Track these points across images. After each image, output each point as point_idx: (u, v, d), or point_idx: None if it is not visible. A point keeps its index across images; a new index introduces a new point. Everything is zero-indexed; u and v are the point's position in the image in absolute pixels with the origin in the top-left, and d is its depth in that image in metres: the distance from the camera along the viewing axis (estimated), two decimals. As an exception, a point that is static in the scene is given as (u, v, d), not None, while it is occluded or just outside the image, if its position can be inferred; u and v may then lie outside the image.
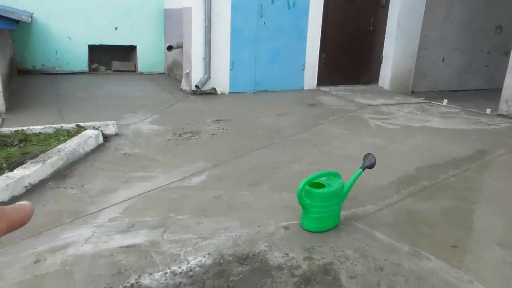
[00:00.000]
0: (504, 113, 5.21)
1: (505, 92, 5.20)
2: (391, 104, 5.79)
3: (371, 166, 2.45)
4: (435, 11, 7.19)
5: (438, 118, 5.08)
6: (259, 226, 2.31)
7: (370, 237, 2.22)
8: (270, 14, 6.12)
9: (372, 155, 2.48)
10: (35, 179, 2.71)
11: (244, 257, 2.02)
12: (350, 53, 6.98)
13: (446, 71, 7.75)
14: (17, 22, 4.74)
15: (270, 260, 1.99)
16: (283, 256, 2.02)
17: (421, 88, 7.43)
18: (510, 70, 5.13)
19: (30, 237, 2.13)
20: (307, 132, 4.28)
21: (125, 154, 3.43)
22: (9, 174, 2.63)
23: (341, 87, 6.91)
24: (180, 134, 4.01)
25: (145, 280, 1.85)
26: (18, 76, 6.42)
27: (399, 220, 2.45)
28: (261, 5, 6.02)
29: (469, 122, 4.90)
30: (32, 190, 2.66)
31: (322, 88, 6.72)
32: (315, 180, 2.28)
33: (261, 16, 6.06)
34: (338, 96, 6.26)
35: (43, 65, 6.88)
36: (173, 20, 6.95)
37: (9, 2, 6.27)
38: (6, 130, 3.53)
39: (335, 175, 2.36)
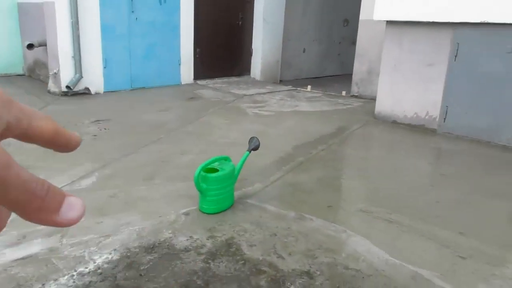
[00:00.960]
0: (356, 94, 6.11)
1: (355, 77, 6.10)
2: (264, 93, 6.29)
3: (256, 148, 2.74)
4: (295, 6, 7.95)
5: (305, 103, 5.72)
6: (160, 216, 2.42)
7: (262, 210, 2.51)
8: (141, 9, 6.05)
9: (256, 138, 2.77)
10: None
11: (151, 246, 2.12)
12: (223, 46, 7.30)
13: (308, 60, 8.64)
14: None
15: (176, 244, 2.14)
16: (187, 239, 2.18)
17: (288, 76, 8.17)
18: (357, 58, 6.03)
19: None
20: (191, 125, 4.44)
21: (-2, 164, 3.14)
22: None
23: (217, 80, 7.20)
24: (58, 138, 3.80)
25: (51, 287, 1.83)
26: None
27: (284, 192, 2.81)
28: (132, 0, 5.91)
29: (330, 104, 5.64)
30: None
31: (199, 82, 6.92)
32: (209, 166, 2.47)
33: (132, 12, 5.96)
34: (215, 88, 6.54)
35: None
36: (31, 16, 6.35)
37: None
38: None
39: (226, 159, 2.59)
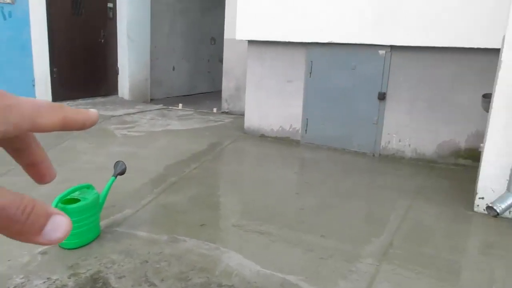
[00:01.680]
0: (226, 110, 6.29)
1: (224, 94, 6.28)
2: (134, 113, 6.05)
3: (122, 172, 2.59)
4: (161, 24, 7.87)
5: (177, 121, 5.67)
6: (9, 260, 2.11)
7: (132, 237, 2.38)
8: (-21, 24, 5.30)
9: (122, 161, 2.63)
10: None
11: (-2, 297, 1.83)
12: (85, 65, 6.82)
13: (178, 78, 8.62)
14: None
15: (30, 289, 1.88)
16: (44, 282, 1.94)
17: (158, 95, 8.01)
18: (225, 76, 6.23)
19: None
20: (49, 152, 4.01)
21: None
22: None
23: (80, 101, 6.68)
24: None
25: None
26: None
27: (156, 215, 2.71)
28: (-35, 13, 5.14)
29: (202, 121, 5.69)
30: None
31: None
32: (68, 197, 2.25)
33: (-32, 26, 5.18)
34: (78, 110, 6.05)
35: None
36: None
37: None
38: None
39: (88, 187, 2.40)
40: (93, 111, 0.34)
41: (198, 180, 3.42)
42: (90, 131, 4.86)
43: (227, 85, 6.20)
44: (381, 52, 4.11)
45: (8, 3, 5.61)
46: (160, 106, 6.82)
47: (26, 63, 5.92)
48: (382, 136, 4.21)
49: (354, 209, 2.96)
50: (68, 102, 6.45)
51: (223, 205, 2.91)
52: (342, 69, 4.31)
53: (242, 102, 6.00)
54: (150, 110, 6.35)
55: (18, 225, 0.27)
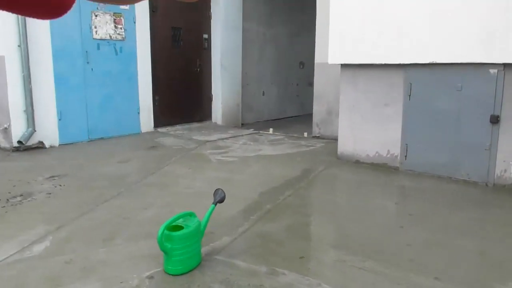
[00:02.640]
0: (317, 135, 6.20)
1: (315, 118, 6.21)
2: (227, 138, 6.25)
3: (221, 201, 2.64)
4: (251, 52, 8.14)
5: (268, 146, 5.71)
6: (121, 282, 2.23)
7: (231, 266, 2.38)
8: (97, 60, 5.96)
9: (221, 189, 2.67)
10: None
11: (112, 319, 1.93)
12: (182, 93, 7.28)
13: (267, 103, 8.78)
14: None
15: (140, 314, 1.95)
16: (153, 307, 2.01)
17: (249, 119, 8.22)
18: (316, 100, 6.17)
19: None
20: (152, 176, 4.28)
21: None
22: None
23: (178, 127, 7.11)
24: (7, 199, 3.53)
25: None
26: None
27: (253, 244, 2.69)
28: (86, 51, 5.81)
29: (293, 146, 5.67)
30: None
31: (160, 129, 6.79)
32: (172, 224, 2.34)
33: (88, 63, 5.84)
34: (176, 135, 6.43)
35: None
36: (-22, 70, 6.08)
37: None
38: None
39: (191, 214, 2.47)
40: None
41: (293, 208, 3.36)
42: (188, 156, 5.11)
43: (318, 109, 6.13)
44: (492, 71, 3.73)
45: (120, 40, 6.24)
46: (251, 130, 6.96)
47: (133, 93, 6.49)
48: (496, 163, 3.77)
49: (468, 248, 2.64)
50: (167, 128, 6.91)
51: (321, 237, 2.80)
52: (446, 91, 3.99)
53: (334, 126, 5.87)
54: (242, 135, 6.51)
55: None
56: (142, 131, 6.65)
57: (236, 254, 2.53)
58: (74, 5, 0.34)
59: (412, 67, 4.15)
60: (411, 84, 4.18)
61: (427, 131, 4.12)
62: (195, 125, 7.38)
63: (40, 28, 5.31)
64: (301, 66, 9.46)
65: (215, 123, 7.67)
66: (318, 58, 5.94)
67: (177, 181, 4.11)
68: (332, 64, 4.78)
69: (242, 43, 7.78)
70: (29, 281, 2.26)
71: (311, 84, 9.59)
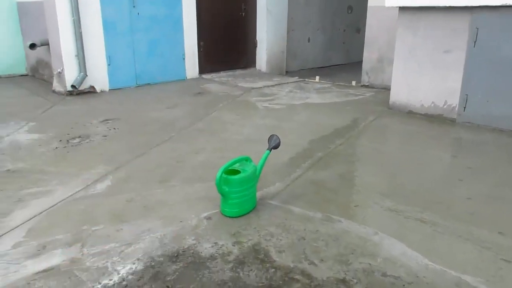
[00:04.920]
0: (366, 84, 5.97)
1: (365, 66, 5.95)
2: (272, 86, 6.16)
3: (276, 146, 2.63)
4: (297, -5, 7.77)
5: (315, 94, 5.59)
6: (181, 221, 2.33)
7: (287, 211, 2.41)
8: (143, 4, 5.90)
9: (276, 135, 2.65)
10: None
11: (175, 255, 2.02)
12: (227, 39, 7.15)
13: (312, 50, 8.48)
14: None
15: (201, 252, 2.04)
16: (212, 246, 2.09)
17: (293, 67, 8.02)
18: (366, 47, 5.87)
19: None
20: (201, 122, 4.33)
21: (8, 170, 3.05)
22: None
23: (222, 73, 7.06)
24: (67, 140, 3.70)
25: (75, 301, 1.74)
26: None
27: (307, 191, 2.70)
28: (132, -6, 5.75)
29: (341, 95, 5.51)
30: None
31: (204, 76, 6.78)
32: (230, 168, 2.37)
33: (134, 7, 5.80)
34: (221, 82, 6.41)
35: None
36: (32, 15, 6.20)
37: None
38: None
39: (247, 159, 2.48)
40: None
41: (345, 157, 3.31)
42: (234, 103, 5.10)
43: (369, 56, 5.85)
44: None
45: (165, -17, 6.10)
46: (296, 78, 6.81)
47: (178, 38, 6.44)
48: None
49: (533, 203, 2.53)
50: (212, 75, 6.88)
51: (375, 186, 2.76)
52: (516, 37, 3.66)
53: (385, 74, 5.62)
54: (287, 83, 6.38)
55: None
56: (187, 77, 6.66)
57: (290, 200, 2.56)
58: None
59: (480, 10, 3.80)
60: (477, 29, 3.86)
61: (491, 82, 3.85)
62: (239, 71, 7.30)
63: (88, -30, 5.27)
64: (349, 11, 8.97)
65: (259, 70, 7.55)
66: (371, 1, 5.57)
67: (226, 127, 4.14)
68: (387, 7, 4.47)
69: (289, -14, 7.42)
70: (96, 215, 2.40)
71: (359, 30, 9.15)
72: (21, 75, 6.84)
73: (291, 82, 6.44)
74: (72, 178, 2.91)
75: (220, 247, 2.07)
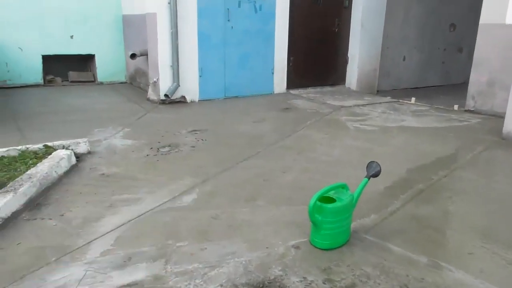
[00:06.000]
0: (471, 109, 5.39)
1: (471, 89, 5.37)
2: (363, 105, 5.83)
3: (376, 175, 2.37)
4: (395, 12, 7.36)
5: (412, 117, 5.16)
6: (267, 247, 2.17)
7: (385, 250, 2.14)
8: (237, 18, 5.98)
9: (376, 163, 2.40)
10: (6, 212, 2.40)
11: (261, 286, 1.86)
12: (317, 54, 6.98)
13: (407, 69, 7.96)
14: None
15: (288, 286, 1.85)
16: (301, 281, 1.89)
17: (385, 86, 7.58)
18: (475, 68, 5.30)
19: (13, 283, 1.86)
20: (289, 139, 4.18)
21: (103, 174, 3.16)
22: (-23, 209, 2.31)
23: (310, 89, 6.89)
24: (158, 148, 3.78)
25: (156, 322, 1.65)
26: (-36, 92, 5.85)
27: (407, 228, 2.39)
28: (228, 9, 5.86)
29: (441, 120, 5.01)
30: (5, 225, 2.35)
31: (292, 91, 6.67)
32: (324, 195, 2.16)
33: (228, 20, 5.90)
34: (309, 98, 6.23)
35: (-8, 78, 6.32)
36: (134, 27, 6.63)
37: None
38: (-37, 156, 3.15)
39: (343, 187, 2.26)
40: None
41: (451, 192, 2.92)
42: (323, 120, 4.89)
43: (477, 79, 5.27)
44: None
45: (260, -2, 6.14)
46: (389, 98, 6.39)
47: (268, 52, 6.42)
48: None
49: None
50: (299, 90, 6.74)
51: (492, 231, 2.35)
52: None
53: (496, 100, 5.02)
54: (379, 103, 6.01)
55: None
56: (275, 92, 6.60)
57: (388, 237, 2.27)
58: None
59: None
60: None
61: None
62: (327, 88, 7.08)
63: (190, -15, 5.47)
64: (452, 29, 8.30)
65: (349, 88, 7.25)
66: (484, 18, 5.02)
67: (314, 146, 3.94)
68: (501, 26, 3.95)
69: (386, 2, 7.05)
70: (181, 230, 2.34)
71: (461, 49, 8.43)
72: (121, 83, 7.32)
73: (383, 102, 6.05)
74: (160, 187, 2.92)
75: (310, 284, 1.87)
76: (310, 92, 6.74)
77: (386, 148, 3.91)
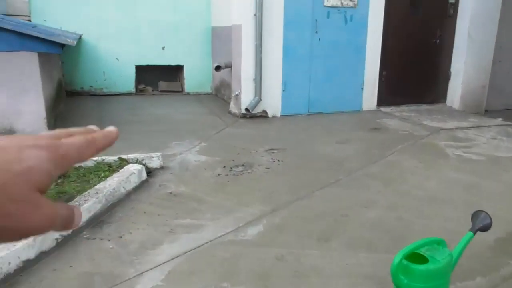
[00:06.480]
0: None
1: None
2: (467, 128, 5.06)
3: (485, 229, 1.85)
4: (511, 19, 6.37)
5: (528, 146, 4.31)
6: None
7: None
8: (325, 30, 5.61)
9: (485, 213, 1.87)
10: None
11: None
12: (414, 69, 6.30)
13: (524, 86, 6.84)
14: (62, 45, 4.56)
15: None
16: None
17: (496, 106, 6.58)
18: None
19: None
20: (374, 165, 3.69)
21: (171, 193, 3.02)
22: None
23: (404, 108, 6.23)
24: (231, 168, 3.57)
25: None
26: (67, 98, 6.31)
27: (527, 303, 1.83)
28: (316, 20, 5.53)
29: None
30: (64, 243, 2.29)
31: (382, 109, 6.08)
32: (414, 251, 1.71)
33: (316, 32, 5.57)
34: (402, 118, 5.61)
35: (91, 86, 6.75)
36: (221, 39, 6.62)
37: (60, 25, 6.21)
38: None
39: (439, 243, 1.78)
40: (114, 131, 0.40)
41: None
42: (417, 145, 4.29)
43: None
44: None
45: (351, 7, 5.71)
46: (500, 121, 5.50)
47: (358, 66, 5.94)
48: None
49: None
50: (391, 108, 6.13)
51: None
52: None
53: None
54: (488, 126, 5.17)
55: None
56: (363, 109, 6.08)
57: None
58: None
59: None
60: None
61: None
62: (424, 107, 6.34)
63: (277, -4, 5.26)
64: None
65: (450, 106, 6.42)
66: None
67: (405, 176, 3.41)
68: None
69: (500, 7, 6.12)
70: (240, 270, 2.06)
71: None
72: (206, 94, 7.37)
73: (493, 126, 5.20)
74: (225, 214, 2.68)
75: None
76: (404, 110, 6.08)
77: (497, 185, 3.23)
